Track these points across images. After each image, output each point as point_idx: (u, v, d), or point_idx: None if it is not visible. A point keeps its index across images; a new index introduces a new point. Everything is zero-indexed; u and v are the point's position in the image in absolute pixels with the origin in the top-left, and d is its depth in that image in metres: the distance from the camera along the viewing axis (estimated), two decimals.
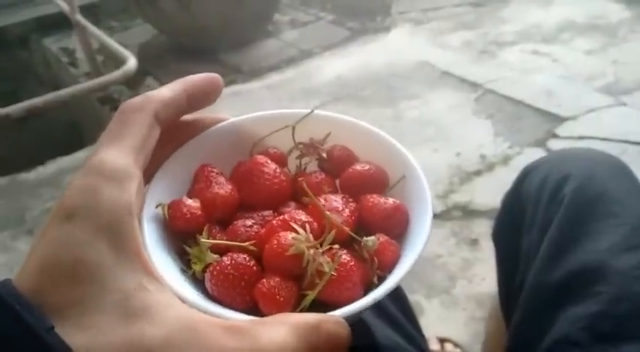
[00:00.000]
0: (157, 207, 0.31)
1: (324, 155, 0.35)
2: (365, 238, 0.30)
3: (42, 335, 0.19)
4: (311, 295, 0.27)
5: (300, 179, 0.33)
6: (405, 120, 1.77)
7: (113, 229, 0.23)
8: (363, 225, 0.32)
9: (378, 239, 0.30)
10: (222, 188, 0.32)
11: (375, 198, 0.32)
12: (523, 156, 1.53)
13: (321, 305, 0.28)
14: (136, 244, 0.24)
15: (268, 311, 0.27)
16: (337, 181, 0.35)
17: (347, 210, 0.31)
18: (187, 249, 0.30)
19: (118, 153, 0.25)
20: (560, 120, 1.69)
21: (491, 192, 1.37)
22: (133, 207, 0.24)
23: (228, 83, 2.21)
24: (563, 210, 0.50)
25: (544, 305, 0.47)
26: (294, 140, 0.36)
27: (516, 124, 1.70)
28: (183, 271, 0.30)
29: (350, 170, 0.34)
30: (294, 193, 0.34)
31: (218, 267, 0.28)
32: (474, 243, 1.27)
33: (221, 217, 0.32)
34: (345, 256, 0.28)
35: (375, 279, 0.30)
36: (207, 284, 0.28)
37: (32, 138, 2.31)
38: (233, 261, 0.28)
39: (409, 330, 0.53)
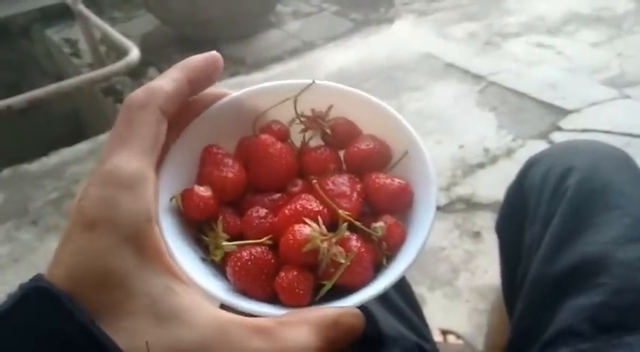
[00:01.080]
0: (170, 200, 0.31)
1: (328, 131, 0.35)
2: (373, 225, 0.31)
3: (95, 333, 0.20)
4: (328, 285, 0.29)
5: (315, 181, 0.32)
6: (408, 113, 1.77)
7: (134, 237, 0.23)
8: (369, 203, 0.33)
9: (386, 222, 0.31)
10: (230, 171, 0.33)
11: (381, 179, 0.33)
12: (526, 149, 1.53)
13: (335, 289, 0.29)
14: (157, 249, 0.24)
15: (289, 303, 0.29)
16: (341, 154, 0.35)
17: (354, 194, 0.32)
18: (205, 238, 0.31)
19: (129, 156, 0.25)
20: (564, 112, 1.68)
21: (494, 185, 1.37)
22: (151, 212, 0.25)
23: (231, 75, 2.20)
24: (567, 202, 0.50)
25: (547, 297, 0.47)
26: (296, 112, 0.35)
27: (520, 117, 1.70)
28: (204, 260, 0.31)
29: (354, 148, 0.34)
30: (300, 169, 0.35)
31: (239, 262, 0.29)
32: (477, 235, 1.27)
33: (232, 199, 0.33)
34: (355, 242, 0.29)
35: (385, 261, 0.31)
36: (230, 278, 0.30)
37: (35, 129, 2.31)
38: (252, 256, 0.29)
39: (413, 320, 0.53)
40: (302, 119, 0.36)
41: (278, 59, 2.28)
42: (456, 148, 1.58)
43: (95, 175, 0.24)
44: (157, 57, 2.38)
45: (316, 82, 0.35)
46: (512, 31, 2.26)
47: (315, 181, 0.31)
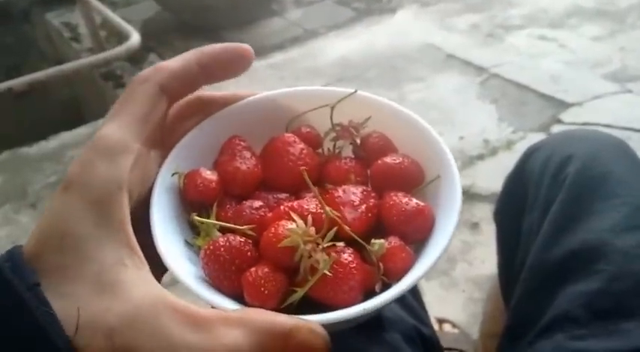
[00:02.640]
0: (172, 175, 0.30)
1: (358, 141, 0.33)
2: (372, 241, 0.27)
3: (19, 290, 0.20)
4: (299, 292, 0.26)
5: (303, 168, 0.30)
6: (409, 103, 1.76)
7: (100, 202, 0.23)
8: (383, 223, 0.29)
9: (390, 243, 0.28)
10: (245, 163, 0.31)
11: (397, 197, 0.29)
12: (526, 142, 1.53)
13: (316, 306, 0.26)
14: (121, 219, 0.24)
15: (251, 302, 0.26)
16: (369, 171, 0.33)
17: (363, 206, 0.29)
18: (197, 222, 0.29)
19: (117, 127, 0.26)
20: (565, 106, 1.68)
21: (493, 177, 1.37)
22: (124, 181, 0.25)
23: None
24: (566, 190, 0.51)
25: (544, 283, 0.47)
26: (331, 121, 0.33)
27: (521, 109, 1.69)
28: (189, 244, 0.30)
29: (380, 162, 0.31)
30: (320, 178, 0.32)
31: (212, 247, 0.27)
32: (475, 226, 1.27)
33: (240, 193, 0.31)
34: (347, 256, 0.26)
35: (378, 287, 0.27)
36: (200, 263, 0.28)
37: (35, 113, 2.30)
38: (227, 244, 0.27)
39: (413, 305, 0.53)
40: (336, 128, 0.33)
41: (279, 47, 2.26)
42: (456, 139, 1.58)
43: (86, 144, 0.25)
44: (157, 42, 2.37)
45: (358, 92, 0.33)
46: (514, 23, 2.24)
47: (305, 178, 0.28)
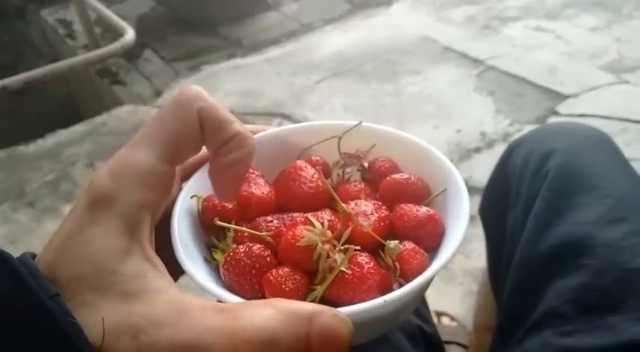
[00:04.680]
0: (191, 197, 0.31)
1: (366, 164, 0.35)
2: (388, 242, 0.28)
3: (43, 299, 0.20)
4: (319, 289, 0.27)
5: (327, 181, 0.31)
6: (406, 96, 1.76)
7: (126, 219, 0.24)
8: (395, 234, 0.30)
9: (404, 245, 0.29)
10: (260, 189, 0.32)
11: (407, 207, 0.31)
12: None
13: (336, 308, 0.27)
14: (142, 236, 0.24)
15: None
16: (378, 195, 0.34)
17: (376, 215, 0.30)
18: (215, 241, 0.31)
19: (148, 146, 0.26)
20: (561, 97, 1.68)
21: (490, 170, 1.37)
22: (149, 201, 0.25)
23: (228, 57, 2.19)
24: (547, 184, 0.51)
25: (532, 279, 0.47)
26: (339, 150, 0.35)
27: (517, 101, 1.69)
28: (207, 261, 0.30)
29: (388, 178, 0.33)
30: (332, 202, 0.33)
31: (232, 254, 0.28)
32: (473, 219, 1.26)
33: (256, 217, 0.32)
34: (363, 258, 0.27)
35: (396, 288, 0.28)
36: (221, 271, 0.29)
37: (31, 111, 2.30)
38: (248, 249, 0.28)
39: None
40: (344, 157, 0.35)
41: (275, 41, 2.26)
42: (453, 132, 1.58)
43: (115, 157, 0.26)
44: (152, 39, 2.36)
45: (363, 123, 0.35)
46: (511, 14, 2.24)
47: (327, 187, 0.29)
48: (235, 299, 0.26)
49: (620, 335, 0.38)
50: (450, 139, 1.55)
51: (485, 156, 1.47)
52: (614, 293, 0.41)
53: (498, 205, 0.58)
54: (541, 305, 0.44)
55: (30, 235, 1.35)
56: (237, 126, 0.27)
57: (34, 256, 0.24)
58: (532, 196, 0.52)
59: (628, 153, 0.57)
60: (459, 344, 0.91)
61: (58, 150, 1.69)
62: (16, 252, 0.23)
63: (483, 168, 1.41)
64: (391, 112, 1.70)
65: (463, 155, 1.48)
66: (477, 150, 1.50)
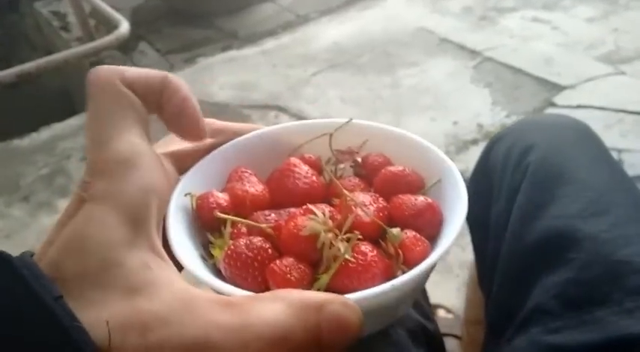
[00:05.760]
0: (185, 195, 0.31)
1: (359, 160, 0.35)
2: (389, 229, 0.28)
3: (48, 302, 0.20)
4: (324, 278, 0.27)
5: (328, 172, 0.31)
6: (403, 88, 1.75)
7: (131, 210, 0.23)
8: (394, 224, 0.30)
9: (406, 233, 0.29)
10: (254, 187, 0.32)
11: (405, 197, 0.31)
12: None
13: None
14: (147, 224, 0.24)
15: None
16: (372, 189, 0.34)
17: (374, 206, 0.30)
18: (211, 238, 0.30)
19: (127, 132, 0.26)
20: (558, 88, 1.67)
21: None
22: (154, 186, 0.25)
23: (223, 49, 2.17)
24: (529, 178, 0.50)
25: (519, 274, 0.47)
26: (330, 147, 0.35)
27: (514, 93, 1.69)
28: (204, 259, 0.30)
29: (383, 171, 0.33)
30: (327, 198, 0.33)
31: (233, 247, 0.28)
32: None
33: (250, 214, 0.32)
34: (366, 246, 0.27)
35: (400, 275, 0.27)
36: (221, 266, 0.28)
37: (25, 104, 2.28)
38: (248, 242, 0.28)
39: (419, 300, 0.53)
40: (336, 153, 0.35)
41: (271, 33, 2.24)
42: (450, 124, 1.57)
43: (100, 148, 0.25)
44: (147, 31, 2.34)
45: (353, 120, 0.35)
46: (507, 5, 2.23)
47: (330, 175, 0.29)
48: (241, 292, 0.26)
49: (607, 329, 0.38)
50: (446, 131, 1.54)
51: (482, 148, 1.46)
52: (600, 286, 0.41)
53: (482, 199, 0.57)
54: (529, 301, 0.44)
55: (25, 230, 1.35)
56: (160, 72, 0.28)
57: (31, 254, 0.23)
58: (513, 190, 0.51)
59: (624, 143, 0.57)
60: (455, 336, 0.91)
61: (52, 144, 1.68)
62: (11, 247, 0.23)
63: None
64: (388, 104, 1.69)
65: (460, 147, 1.48)
66: (474, 142, 1.50)
